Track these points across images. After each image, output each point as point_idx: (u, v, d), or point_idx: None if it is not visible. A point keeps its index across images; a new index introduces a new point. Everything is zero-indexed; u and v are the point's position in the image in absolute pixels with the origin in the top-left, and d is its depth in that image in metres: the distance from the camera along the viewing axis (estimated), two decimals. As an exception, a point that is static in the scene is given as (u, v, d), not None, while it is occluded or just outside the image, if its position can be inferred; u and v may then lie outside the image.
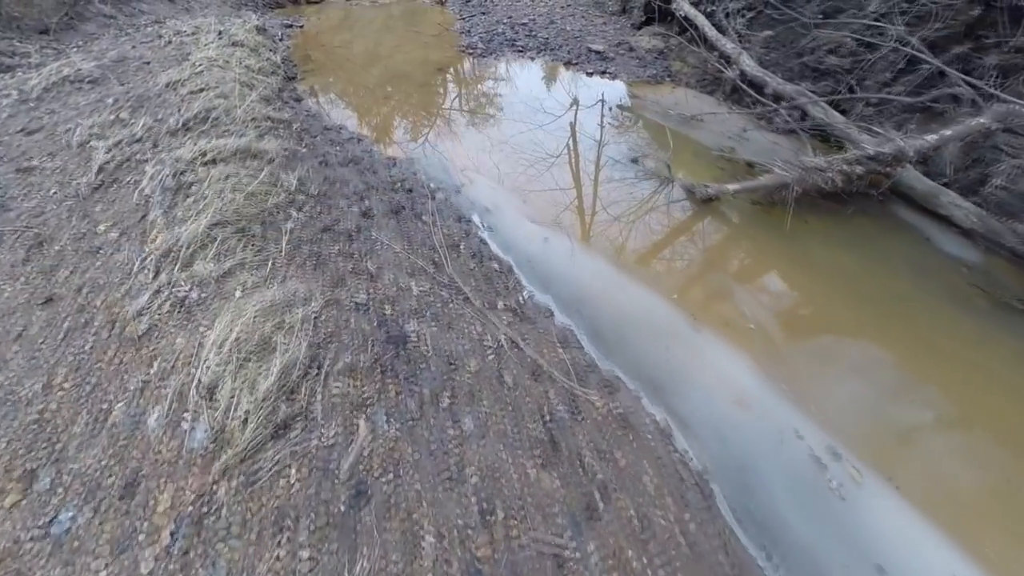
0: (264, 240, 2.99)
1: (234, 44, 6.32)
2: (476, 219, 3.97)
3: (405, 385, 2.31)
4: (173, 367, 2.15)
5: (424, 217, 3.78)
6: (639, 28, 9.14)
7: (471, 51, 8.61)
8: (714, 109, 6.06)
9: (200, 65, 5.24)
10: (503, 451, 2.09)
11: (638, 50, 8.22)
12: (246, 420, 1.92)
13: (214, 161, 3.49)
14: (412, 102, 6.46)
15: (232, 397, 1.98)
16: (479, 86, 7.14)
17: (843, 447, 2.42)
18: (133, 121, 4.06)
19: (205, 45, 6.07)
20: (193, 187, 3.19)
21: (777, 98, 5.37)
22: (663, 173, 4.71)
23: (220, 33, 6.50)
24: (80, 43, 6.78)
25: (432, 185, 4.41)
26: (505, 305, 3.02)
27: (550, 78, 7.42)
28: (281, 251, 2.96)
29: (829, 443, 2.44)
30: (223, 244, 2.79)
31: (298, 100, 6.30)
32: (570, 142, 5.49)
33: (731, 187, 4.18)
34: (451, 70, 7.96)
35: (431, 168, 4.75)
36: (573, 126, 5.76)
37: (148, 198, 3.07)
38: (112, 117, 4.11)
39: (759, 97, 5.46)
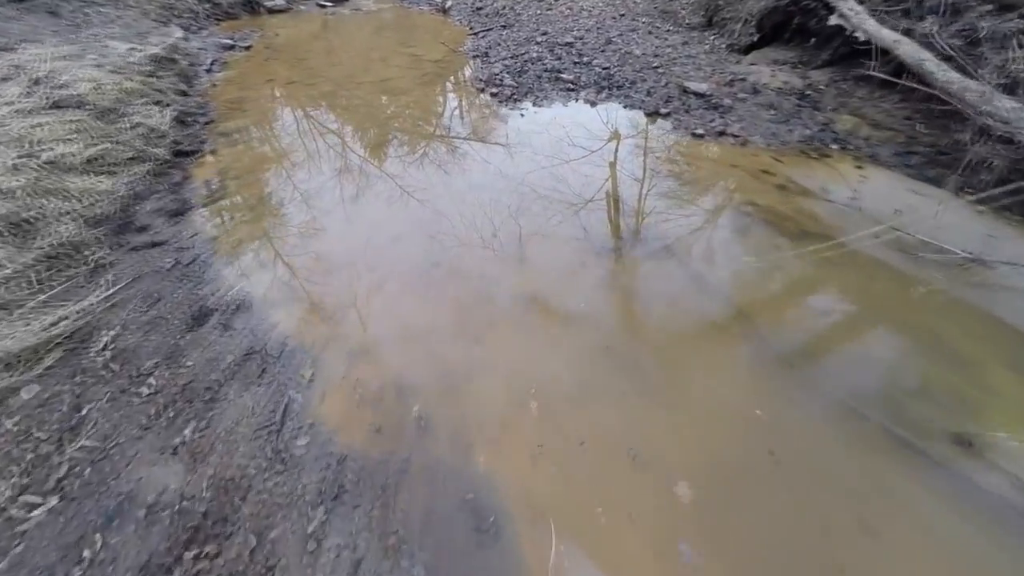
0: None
1: (57, 106, 3.26)
2: None
3: None
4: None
5: None
6: (745, 52, 6.07)
7: (495, 90, 5.54)
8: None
9: None
10: None
11: (764, 92, 5.14)
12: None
13: None
14: (398, 217, 3.39)
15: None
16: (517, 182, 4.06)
17: None
18: None
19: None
20: None
21: None
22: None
23: (36, 82, 3.44)
24: None
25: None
26: None
27: (630, 152, 4.34)
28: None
29: None
30: None
31: (177, 215, 3.24)
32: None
33: None
34: (468, 131, 4.89)
35: (448, 478, 1.69)
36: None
37: None
38: None
39: None
